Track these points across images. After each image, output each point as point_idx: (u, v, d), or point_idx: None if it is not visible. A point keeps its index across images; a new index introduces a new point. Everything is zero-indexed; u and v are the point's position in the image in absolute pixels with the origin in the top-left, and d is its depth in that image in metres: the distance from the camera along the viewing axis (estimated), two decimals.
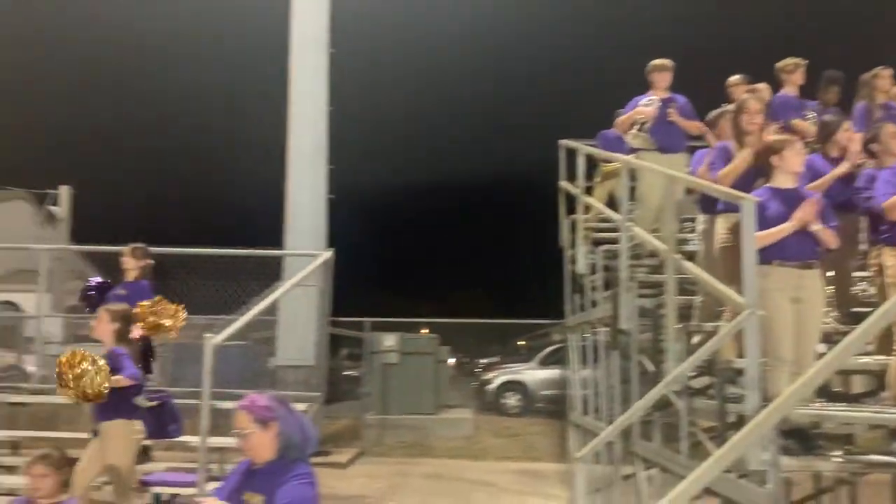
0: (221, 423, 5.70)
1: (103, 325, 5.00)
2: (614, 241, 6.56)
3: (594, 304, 7.29)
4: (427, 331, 16.02)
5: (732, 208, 4.36)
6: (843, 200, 4.99)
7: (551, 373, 15.31)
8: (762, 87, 6.63)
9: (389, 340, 13.18)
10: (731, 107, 5.63)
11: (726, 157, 5.22)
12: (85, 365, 4.52)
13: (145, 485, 5.50)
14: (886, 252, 4.58)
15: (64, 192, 20.79)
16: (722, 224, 5.00)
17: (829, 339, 4.41)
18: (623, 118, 7.19)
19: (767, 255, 4.12)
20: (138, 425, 5.00)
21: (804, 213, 4.18)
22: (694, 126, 6.94)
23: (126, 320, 5.09)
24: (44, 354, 10.50)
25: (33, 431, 6.93)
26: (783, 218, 4.21)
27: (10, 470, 6.27)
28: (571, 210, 8.11)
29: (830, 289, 5.19)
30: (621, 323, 5.70)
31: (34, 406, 7.55)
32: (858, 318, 4.02)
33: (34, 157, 39.76)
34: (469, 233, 51.22)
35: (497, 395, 16.19)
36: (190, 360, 6.64)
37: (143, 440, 5.18)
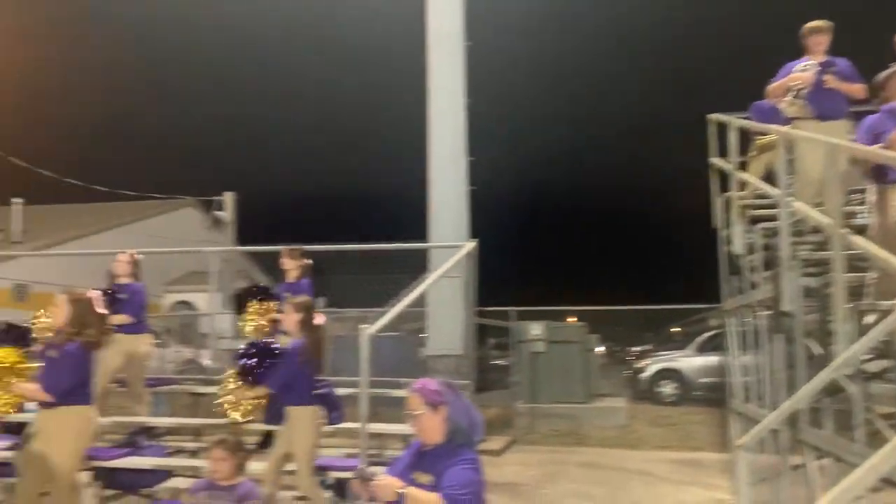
0: (379, 410, 5.95)
1: (289, 316, 5.42)
2: (773, 219, 6.22)
3: (753, 286, 6.94)
4: (575, 319, 15.86)
5: None
6: None
7: (708, 360, 14.77)
8: None
9: (536, 329, 13.12)
10: None
11: None
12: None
13: (321, 469, 5.82)
14: None
15: (228, 197, 22.45)
16: None
17: None
18: (775, 84, 6.73)
19: None
20: (322, 411, 5.43)
21: None
22: (857, 89, 6.39)
23: (308, 310, 5.46)
24: (217, 349, 11.38)
25: (212, 419, 7.50)
26: None
27: (193, 454, 6.82)
28: (724, 188, 7.78)
29: None
30: (784, 305, 5.38)
31: (210, 396, 8.18)
32: None
33: (197, 165, 43.00)
34: (616, 220, 50.00)
35: (652, 384, 15.82)
36: (347, 351, 6.95)
37: (324, 426, 5.53)
